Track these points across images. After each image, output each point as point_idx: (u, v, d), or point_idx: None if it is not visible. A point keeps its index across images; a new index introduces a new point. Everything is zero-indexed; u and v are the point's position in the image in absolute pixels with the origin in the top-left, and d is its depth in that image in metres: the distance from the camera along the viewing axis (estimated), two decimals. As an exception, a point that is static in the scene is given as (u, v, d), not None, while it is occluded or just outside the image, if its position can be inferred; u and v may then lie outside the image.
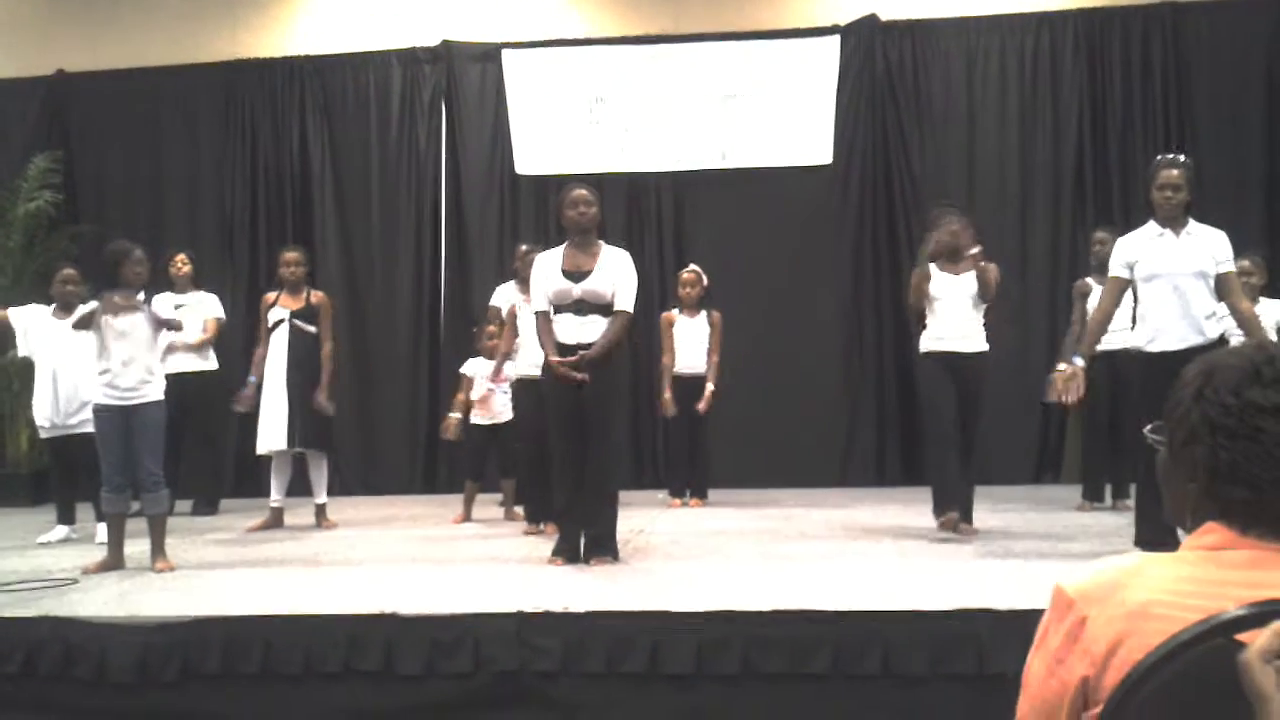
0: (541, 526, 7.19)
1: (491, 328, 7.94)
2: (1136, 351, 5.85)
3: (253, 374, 7.86)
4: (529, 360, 7.04)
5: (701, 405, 8.46)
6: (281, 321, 7.84)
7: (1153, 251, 5.69)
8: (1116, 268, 5.85)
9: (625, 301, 5.85)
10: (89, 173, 11.27)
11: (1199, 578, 1.46)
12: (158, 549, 6.06)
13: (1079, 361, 5.87)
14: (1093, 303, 7.75)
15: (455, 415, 8.02)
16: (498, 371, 7.48)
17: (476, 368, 8.04)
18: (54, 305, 7.59)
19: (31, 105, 11.31)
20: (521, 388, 7.24)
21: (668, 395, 8.56)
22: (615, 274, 5.83)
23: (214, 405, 8.96)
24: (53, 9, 11.36)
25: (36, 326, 7.61)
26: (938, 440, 6.63)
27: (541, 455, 7.06)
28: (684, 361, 8.60)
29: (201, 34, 10.98)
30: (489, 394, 7.62)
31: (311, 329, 7.86)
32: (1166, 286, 5.63)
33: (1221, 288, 5.72)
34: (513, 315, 7.30)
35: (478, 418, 8.02)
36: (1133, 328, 7.47)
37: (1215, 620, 1.35)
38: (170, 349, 8.02)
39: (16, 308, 7.87)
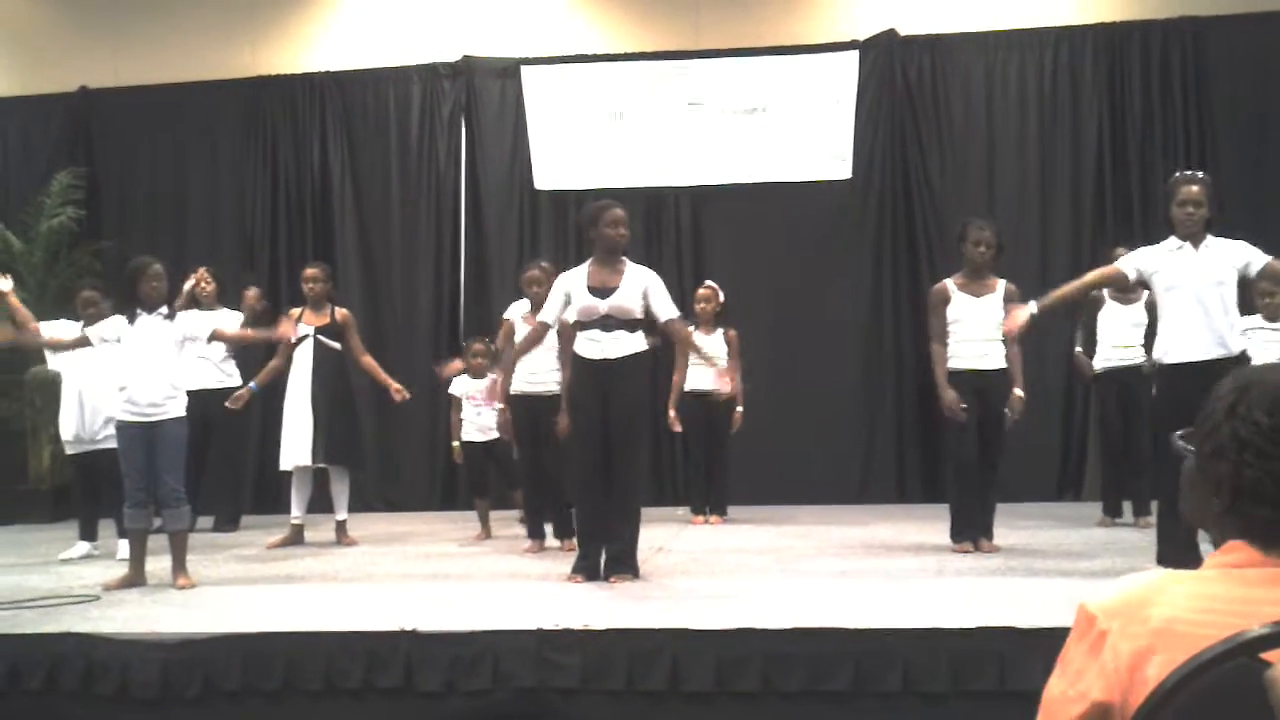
0: (561, 543, 7.18)
1: (478, 345, 7.97)
2: (1156, 363, 5.82)
3: (255, 382, 7.92)
4: (522, 376, 7.05)
5: (732, 429, 8.47)
6: (306, 337, 7.86)
7: (1172, 263, 5.67)
8: (1126, 265, 5.83)
9: (669, 310, 5.97)
10: (111, 188, 11.34)
11: (1223, 596, 1.45)
12: (179, 565, 6.08)
13: (1033, 306, 5.89)
14: (1104, 316, 7.79)
15: (457, 444, 8.10)
16: (497, 392, 7.43)
17: (463, 386, 8.04)
18: (81, 323, 7.61)
19: (55, 121, 11.41)
20: (514, 403, 7.24)
21: (673, 414, 8.53)
22: (644, 288, 5.86)
23: (237, 422, 9.00)
24: (76, 26, 11.44)
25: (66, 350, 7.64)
26: (958, 467, 6.65)
27: (539, 470, 7.10)
28: (700, 379, 8.58)
29: (223, 50, 11.04)
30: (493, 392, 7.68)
31: (336, 345, 7.88)
32: (1186, 297, 5.60)
33: (1274, 273, 5.69)
34: (510, 332, 7.30)
35: (469, 434, 8.02)
36: (1143, 346, 7.54)
37: (1239, 639, 1.34)
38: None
39: (48, 322, 7.92)
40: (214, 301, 8.94)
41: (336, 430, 7.79)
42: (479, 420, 7.95)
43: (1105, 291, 7.89)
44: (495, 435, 7.86)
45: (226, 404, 7.95)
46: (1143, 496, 7.79)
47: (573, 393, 6.00)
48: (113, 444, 6.52)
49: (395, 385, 7.89)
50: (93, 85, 11.28)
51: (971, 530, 6.60)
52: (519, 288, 7.81)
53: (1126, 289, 6.01)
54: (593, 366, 5.80)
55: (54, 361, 7.79)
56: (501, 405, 7.29)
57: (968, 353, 6.60)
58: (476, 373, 7.93)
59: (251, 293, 9.13)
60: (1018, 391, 6.59)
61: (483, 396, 7.90)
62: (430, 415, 10.57)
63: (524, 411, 7.15)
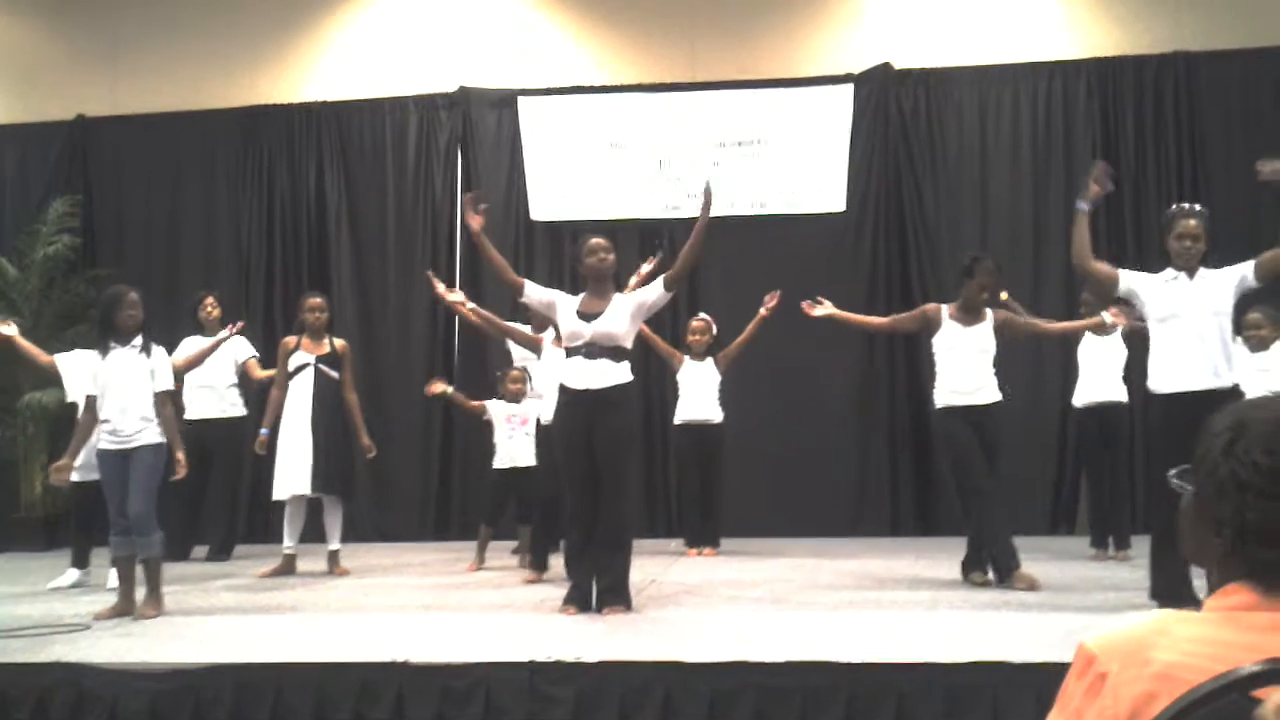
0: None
1: (515, 372, 7.97)
2: (1149, 395, 5.81)
3: (265, 424, 7.90)
4: (546, 406, 7.10)
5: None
6: (305, 366, 7.86)
7: (1168, 293, 5.67)
8: (1123, 274, 5.83)
9: (655, 283, 6.00)
10: (108, 216, 11.36)
11: (1226, 640, 1.43)
12: (150, 592, 6.04)
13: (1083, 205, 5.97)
14: (1083, 350, 7.82)
15: (451, 387, 8.20)
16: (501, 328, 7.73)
17: (496, 410, 8.04)
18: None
19: (52, 149, 11.44)
20: (545, 434, 7.28)
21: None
22: (631, 307, 5.90)
23: (238, 452, 9.01)
24: (74, 54, 11.49)
25: (82, 372, 7.63)
26: (985, 500, 6.52)
27: (557, 503, 7.09)
28: (693, 410, 8.59)
29: (220, 79, 11.10)
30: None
31: (335, 374, 7.89)
32: (1183, 326, 5.59)
33: (1268, 267, 5.57)
34: (538, 341, 7.37)
35: (500, 462, 8.01)
36: (1123, 379, 7.59)
37: (1231, 676, 1.33)
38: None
39: (63, 354, 7.91)
40: (218, 327, 8.95)
41: (331, 460, 7.78)
42: (510, 447, 7.94)
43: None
44: (527, 464, 7.86)
45: (256, 449, 7.95)
46: (1123, 529, 7.90)
47: (558, 423, 6.00)
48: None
49: (366, 440, 8.01)
50: (90, 113, 11.32)
51: (983, 562, 6.60)
52: (517, 317, 7.90)
53: (1105, 296, 6.02)
54: (577, 397, 5.80)
55: (71, 392, 7.77)
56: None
57: (963, 386, 6.60)
58: (514, 398, 7.93)
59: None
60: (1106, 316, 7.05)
61: (517, 419, 7.91)
62: (424, 446, 10.58)
63: (544, 441, 7.17)
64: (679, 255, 6.07)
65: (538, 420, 7.56)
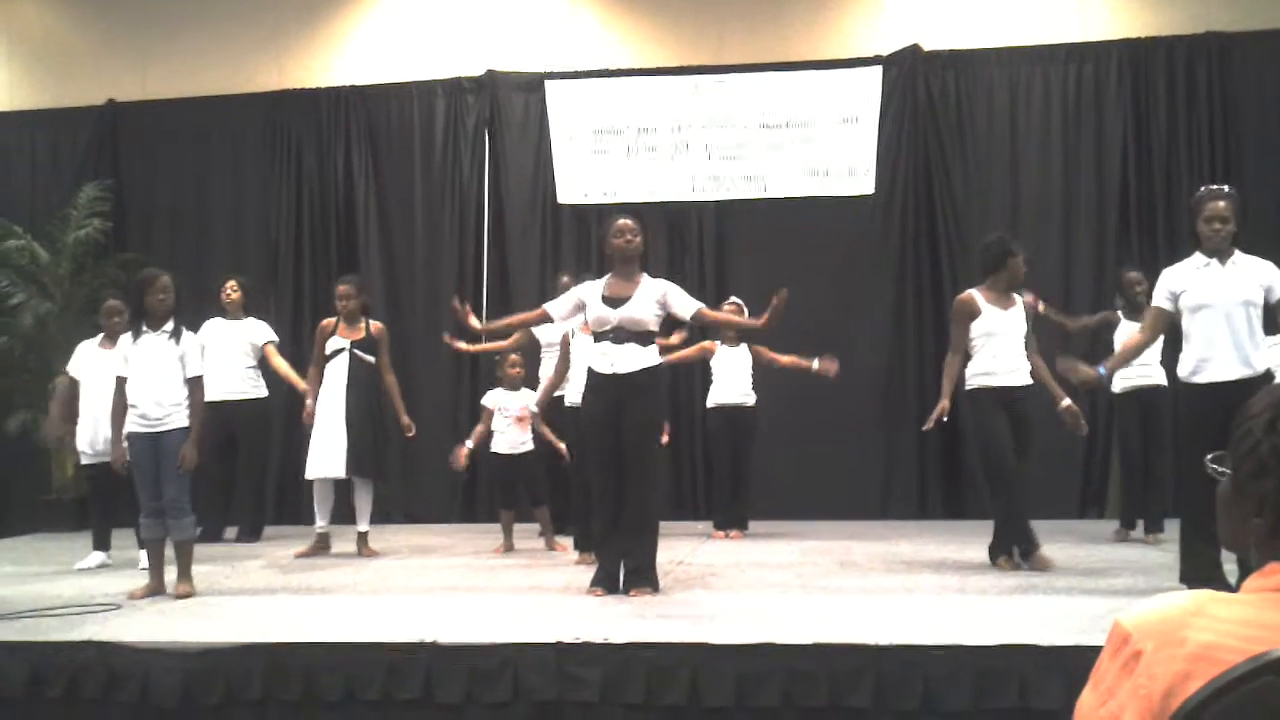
0: (578, 555, 7.22)
1: (514, 356, 7.98)
2: (1180, 383, 5.76)
3: (309, 396, 7.94)
4: (579, 388, 7.09)
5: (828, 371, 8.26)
6: (341, 351, 7.89)
7: (1200, 282, 5.61)
8: (1160, 299, 5.77)
9: (691, 305, 5.97)
10: (138, 200, 11.41)
11: (1264, 622, 1.42)
12: (182, 574, 6.12)
13: (1101, 371, 5.98)
14: (1120, 335, 7.74)
15: (468, 444, 7.96)
16: (528, 417, 7.74)
17: (497, 399, 8.03)
18: (101, 335, 7.70)
19: (82, 134, 11.49)
20: (573, 415, 7.27)
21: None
22: (658, 297, 5.88)
23: (264, 432, 9.04)
24: (104, 40, 11.54)
25: (87, 360, 7.71)
26: (1014, 484, 6.53)
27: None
28: (726, 393, 8.59)
29: (249, 64, 11.13)
30: (524, 416, 7.85)
31: (370, 359, 7.92)
32: (1215, 316, 5.53)
33: None
34: (565, 344, 7.34)
35: (499, 447, 8.02)
36: (1161, 364, 7.51)
37: (1266, 657, 1.32)
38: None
39: (70, 365, 7.96)
40: (239, 311, 8.99)
41: (364, 442, 7.81)
42: (509, 433, 7.95)
43: (1119, 310, 7.90)
44: (525, 449, 7.89)
45: (304, 419, 7.98)
46: (1155, 513, 7.85)
47: (585, 406, 6.03)
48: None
49: (406, 419, 8.05)
50: (120, 98, 11.37)
51: (1009, 546, 6.59)
52: (545, 299, 7.87)
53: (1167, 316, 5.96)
54: (604, 380, 5.81)
55: (74, 371, 7.85)
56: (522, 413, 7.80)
57: (1004, 368, 6.56)
58: (511, 384, 7.94)
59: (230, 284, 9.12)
60: (1067, 402, 6.62)
61: (514, 417, 7.90)
62: (452, 428, 10.58)
63: (576, 424, 7.16)
64: (723, 315, 6.18)
65: (562, 399, 7.56)
